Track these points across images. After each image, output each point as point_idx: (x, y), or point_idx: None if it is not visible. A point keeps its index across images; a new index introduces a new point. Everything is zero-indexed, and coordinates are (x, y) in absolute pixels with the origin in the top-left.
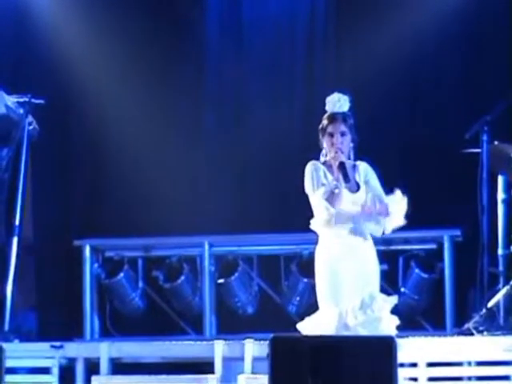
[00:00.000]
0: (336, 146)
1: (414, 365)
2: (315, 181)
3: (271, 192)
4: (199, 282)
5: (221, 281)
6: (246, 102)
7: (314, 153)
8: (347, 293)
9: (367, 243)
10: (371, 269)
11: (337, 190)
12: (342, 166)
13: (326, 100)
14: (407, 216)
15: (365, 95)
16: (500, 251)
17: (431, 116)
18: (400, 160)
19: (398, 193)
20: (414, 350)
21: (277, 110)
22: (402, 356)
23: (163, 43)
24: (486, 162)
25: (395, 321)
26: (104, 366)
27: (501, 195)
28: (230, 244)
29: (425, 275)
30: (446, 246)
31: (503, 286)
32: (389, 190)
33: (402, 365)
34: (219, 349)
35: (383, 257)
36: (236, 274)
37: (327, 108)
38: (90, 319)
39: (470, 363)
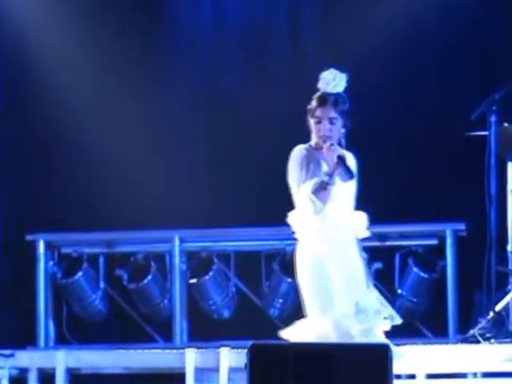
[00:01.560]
0: (323, 133)
1: (412, 376)
2: (304, 169)
3: (250, 182)
4: (168, 282)
5: (193, 281)
6: (223, 84)
7: (298, 141)
8: (339, 297)
9: (352, 241)
10: (360, 271)
11: (329, 187)
12: (340, 160)
13: (320, 76)
14: (405, 207)
15: (356, 74)
16: (509, 247)
17: (431, 95)
18: (397, 145)
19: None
20: (412, 359)
21: (256, 95)
22: (398, 366)
23: (130, 21)
24: (495, 146)
25: (382, 330)
26: (60, 377)
27: (510, 184)
28: (204, 239)
29: (424, 275)
30: (449, 241)
31: None
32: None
33: (398, 376)
34: (191, 358)
35: (377, 254)
36: (210, 273)
37: (320, 86)
38: (45, 324)
39: (475, 375)
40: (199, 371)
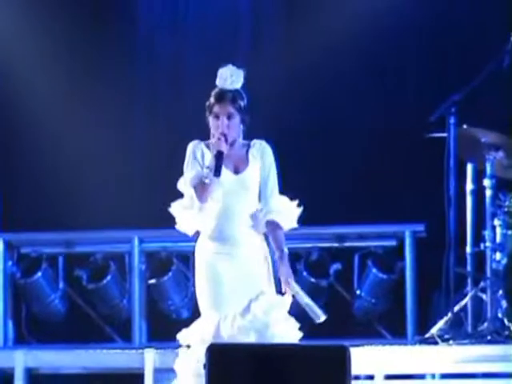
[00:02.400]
0: (221, 130)
1: (371, 377)
2: (189, 162)
3: None
4: (127, 282)
5: (152, 281)
6: (182, 84)
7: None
8: (228, 297)
9: (252, 240)
10: (256, 271)
11: (207, 180)
12: (218, 155)
13: (218, 72)
14: (364, 208)
15: (316, 74)
16: (468, 249)
17: (391, 96)
18: (355, 144)
19: (290, 203)
20: (371, 360)
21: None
22: (356, 367)
23: (89, 19)
24: (454, 148)
25: (293, 324)
26: (19, 377)
27: (469, 185)
28: (163, 239)
29: (383, 276)
30: (408, 242)
31: (471, 288)
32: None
33: (357, 377)
34: (150, 358)
35: (336, 255)
36: (169, 274)
37: (217, 82)
38: (3, 324)
39: (433, 376)
40: (158, 372)
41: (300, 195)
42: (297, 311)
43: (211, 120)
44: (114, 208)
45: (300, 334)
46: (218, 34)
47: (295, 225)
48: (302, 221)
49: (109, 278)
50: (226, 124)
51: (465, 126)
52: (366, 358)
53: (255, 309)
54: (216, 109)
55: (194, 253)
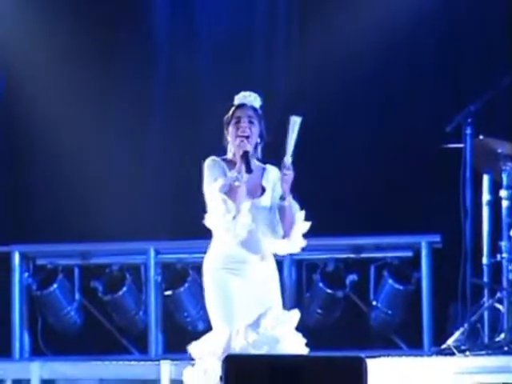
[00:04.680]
0: (242, 132)
1: None
2: (211, 175)
3: None
4: (143, 293)
5: (168, 292)
6: (198, 100)
7: (267, 153)
8: (240, 311)
9: (266, 261)
10: (265, 288)
11: (237, 183)
12: (245, 155)
13: (235, 97)
14: (380, 219)
15: (331, 85)
16: (485, 260)
17: (407, 106)
18: (371, 155)
19: (301, 214)
20: (387, 371)
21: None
22: (373, 379)
23: (109, 32)
24: (470, 158)
25: (301, 340)
26: None
27: (486, 196)
28: (179, 251)
29: (399, 286)
30: (424, 253)
31: (488, 298)
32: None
33: None
34: (166, 370)
35: (353, 266)
36: (185, 285)
37: (235, 102)
38: (20, 336)
39: None
40: (174, 383)
41: (316, 206)
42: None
43: (231, 128)
44: (130, 219)
45: (306, 350)
46: (233, 49)
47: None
48: (318, 232)
49: (125, 289)
50: (247, 125)
51: (481, 137)
52: (382, 370)
53: (264, 323)
54: (237, 113)
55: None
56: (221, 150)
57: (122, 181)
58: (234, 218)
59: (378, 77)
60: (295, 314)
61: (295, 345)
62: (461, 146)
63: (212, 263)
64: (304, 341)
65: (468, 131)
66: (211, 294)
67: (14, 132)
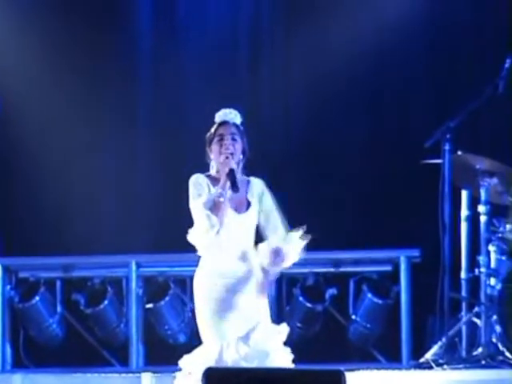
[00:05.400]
0: (226, 149)
1: None
2: (196, 191)
3: None
4: (125, 306)
5: (149, 305)
6: (183, 112)
7: (257, 165)
8: (230, 325)
9: (253, 272)
10: (254, 303)
11: (221, 199)
12: (231, 172)
13: (216, 115)
14: (359, 234)
15: (315, 98)
16: (463, 274)
17: (387, 122)
18: (352, 170)
19: (296, 234)
20: None
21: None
22: None
23: (93, 39)
24: (449, 174)
25: (288, 354)
26: None
27: (464, 212)
28: (160, 264)
29: (378, 300)
30: (403, 267)
31: (466, 313)
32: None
33: None
34: (147, 382)
35: (332, 280)
36: (166, 298)
37: (216, 119)
38: (2, 348)
39: None
40: None
41: (296, 221)
42: (291, 341)
43: (214, 146)
44: (112, 233)
45: (293, 364)
46: (219, 51)
47: (297, 258)
48: None
49: (106, 302)
50: (230, 143)
51: (459, 153)
52: (361, 383)
53: (254, 337)
54: (220, 130)
55: (191, 278)
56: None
57: (105, 195)
58: (218, 232)
59: (360, 95)
60: (284, 329)
61: (284, 359)
62: (439, 161)
63: (202, 279)
64: (291, 356)
65: (447, 147)
66: (202, 308)
67: None
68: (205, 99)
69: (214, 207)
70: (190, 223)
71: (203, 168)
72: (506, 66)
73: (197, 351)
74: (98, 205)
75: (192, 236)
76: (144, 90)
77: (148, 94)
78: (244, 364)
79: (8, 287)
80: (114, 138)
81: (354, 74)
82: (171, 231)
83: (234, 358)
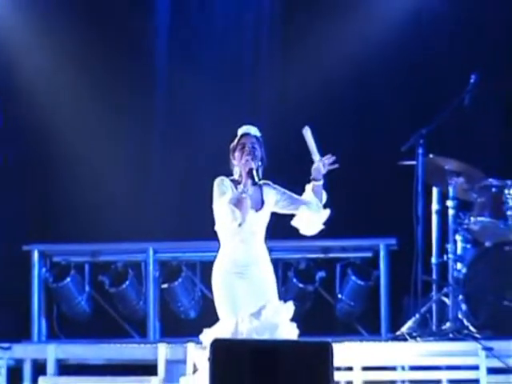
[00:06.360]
0: (247, 154)
1: (350, 368)
2: (221, 190)
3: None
4: (144, 286)
5: (164, 286)
6: (196, 112)
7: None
8: (244, 304)
9: (264, 261)
10: (264, 285)
11: (244, 195)
12: (250, 171)
13: (238, 130)
14: (345, 225)
15: (309, 107)
16: (433, 260)
17: (372, 130)
18: (341, 172)
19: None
20: (350, 354)
21: (224, 121)
22: (338, 360)
23: (111, 56)
24: (421, 174)
25: (294, 328)
26: (51, 367)
27: (435, 206)
28: (174, 250)
29: (361, 282)
30: (382, 254)
31: (436, 293)
32: None
33: (338, 368)
34: (162, 352)
35: (321, 264)
36: (179, 280)
37: (239, 133)
38: (38, 322)
39: (403, 368)
40: (169, 363)
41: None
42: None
43: (237, 153)
44: (133, 222)
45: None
46: (225, 72)
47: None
48: (292, 235)
49: (127, 283)
50: (251, 150)
51: (431, 156)
52: (346, 352)
53: (265, 313)
54: (242, 140)
55: (201, 262)
56: (209, 158)
57: (127, 191)
58: (240, 225)
59: (350, 102)
60: (291, 306)
61: (291, 332)
62: (414, 163)
63: (220, 267)
64: (297, 330)
65: (420, 151)
66: (220, 291)
67: (35, 144)
68: (218, 106)
69: (238, 202)
70: (202, 213)
71: (210, 159)
72: (471, 81)
73: (215, 326)
74: (121, 199)
75: (218, 228)
76: (159, 101)
77: (163, 103)
78: (255, 336)
79: (44, 270)
80: (135, 128)
81: (343, 88)
82: (185, 222)
83: (248, 328)
